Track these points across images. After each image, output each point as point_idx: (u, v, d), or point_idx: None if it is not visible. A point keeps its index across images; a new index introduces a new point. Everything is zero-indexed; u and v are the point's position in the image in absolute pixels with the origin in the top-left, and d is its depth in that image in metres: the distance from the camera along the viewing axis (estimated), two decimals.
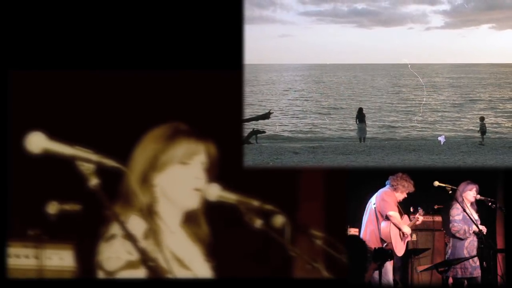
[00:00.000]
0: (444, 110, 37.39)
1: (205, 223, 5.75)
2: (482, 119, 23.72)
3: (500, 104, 39.43)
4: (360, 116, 24.05)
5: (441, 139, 21.20)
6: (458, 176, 10.66)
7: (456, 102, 40.44)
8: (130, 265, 5.14)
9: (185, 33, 7.75)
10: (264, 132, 23.08)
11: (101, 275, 5.31)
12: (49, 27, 7.79)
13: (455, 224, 10.42)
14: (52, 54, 7.81)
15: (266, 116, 24.31)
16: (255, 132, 22.07)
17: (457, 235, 10.42)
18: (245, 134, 21.94)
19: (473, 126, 29.03)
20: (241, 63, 7.69)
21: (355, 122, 24.96)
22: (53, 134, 4.44)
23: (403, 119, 34.17)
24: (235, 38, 7.67)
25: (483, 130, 22.56)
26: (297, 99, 44.35)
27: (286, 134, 29.57)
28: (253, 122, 24.06)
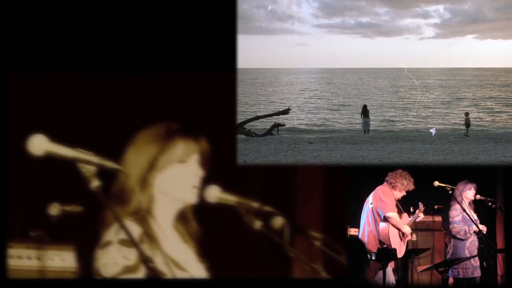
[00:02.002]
0: (435, 106, 37.26)
1: (194, 220, 5.40)
2: (466, 114, 23.71)
3: (482, 102, 39.27)
4: (365, 111, 24.02)
5: (433, 131, 21.15)
6: (458, 174, 9.42)
7: (445, 100, 40.27)
8: (127, 270, 4.85)
9: (184, 38, 7.29)
10: (284, 125, 23.00)
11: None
12: (48, 31, 7.22)
13: (455, 225, 9.29)
14: (52, 57, 7.23)
15: (286, 112, 24.30)
16: (277, 125, 22.01)
17: (458, 236, 9.31)
18: (268, 128, 21.93)
19: (459, 120, 28.93)
20: (235, 66, 7.27)
21: (360, 117, 24.90)
22: (54, 136, 4.15)
23: (401, 114, 34.07)
24: (230, 44, 7.24)
25: (467, 124, 22.56)
26: (311, 98, 44.25)
27: (302, 127, 29.51)
28: (275, 116, 24.03)
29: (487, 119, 31.70)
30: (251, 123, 22.76)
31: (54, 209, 5.96)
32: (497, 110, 35.51)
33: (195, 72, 6.99)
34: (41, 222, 6.13)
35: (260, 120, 23.95)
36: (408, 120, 31.73)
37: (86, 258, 5.93)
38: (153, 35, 7.34)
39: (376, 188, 9.04)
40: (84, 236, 5.83)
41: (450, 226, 9.39)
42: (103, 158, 4.26)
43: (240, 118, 24.81)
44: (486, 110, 35.07)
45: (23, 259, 6.34)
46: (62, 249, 6.28)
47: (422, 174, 9.14)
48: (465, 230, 9.26)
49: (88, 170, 4.17)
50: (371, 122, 24.57)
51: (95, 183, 4.12)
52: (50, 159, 4.13)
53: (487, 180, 9.63)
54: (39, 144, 4.10)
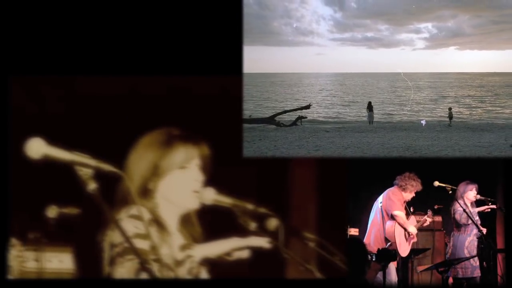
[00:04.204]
0: (424, 103, 36.97)
1: (198, 223, 4.77)
2: (450, 109, 23.69)
3: (462, 99, 38.95)
4: (370, 107, 24.00)
5: (423, 122, 21.15)
6: (458, 173, 8.41)
7: (433, 98, 39.92)
8: (137, 236, 4.23)
9: (195, 46, 6.65)
10: (306, 117, 22.94)
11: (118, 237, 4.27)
12: (48, 34, 6.37)
13: (458, 212, 8.27)
14: (52, 59, 6.38)
15: (307, 107, 24.32)
16: (300, 118, 22.02)
17: (462, 221, 8.23)
18: (294, 119, 21.93)
19: (444, 114, 28.70)
20: (241, 70, 6.72)
21: (366, 111, 24.78)
22: (52, 138, 3.62)
23: (398, 109, 33.85)
24: (236, 50, 6.70)
25: (450, 116, 22.53)
26: (328, 96, 43.98)
27: (320, 119, 29.38)
28: (299, 111, 23.98)
29: (466, 113, 31.56)
30: (280, 115, 22.80)
31: (52, 212, 5.42)
32: (474, 105, 35.36)
33: (207, 76, 6.41)
34: (39, 224, 5.50)
35: (287, 113, 23.94)
36: (403, 114, 31.57)
37: (83, 259, 5.48)
38: (165, 43, 6.66)
39: (387, 190, 8.31)
40: (82, 238, 5.29)
41: (454, 215, 8.42)
42: (100, 161, 3.71)
43: (271, 112, 24.92)
44: (465, 106, 34.92)
45: (21, 261, 5.61)
46: (60, 251, 5.60)
47: (423, 175, 8.21)
48: (467, 213, 8.16)
49: (85, 173, 3.64)
50: (374, 115, 24.48)
51: (92, 186, 3.64)
52: (47, 162, 3.61)
53: (488, 180, 8.66)
54: (37, 148, 3.55)
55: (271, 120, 21.45)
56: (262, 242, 4.58)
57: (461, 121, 26.48)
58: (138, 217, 4.26)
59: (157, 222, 4.50)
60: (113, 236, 4.37)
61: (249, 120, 20.43)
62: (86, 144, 4.14)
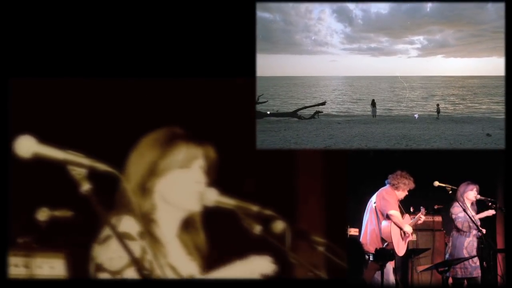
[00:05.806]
0: (417, 100, 36.82)
1: (203, 230, 3.90)
2: (437, 105, 23.40)
3: (447, 97, 38.75)
4: (373, 103, 23.97)
5: (416, 116, 21.15)
6: (458, 173, 7.33)
7: (424, 96, 39.64)
8: (133, 262, 3.20)
9: (210, 49, 5.92)
10: (322, 112, 22.93)
11: (105, 276, 3.38)
12: (49, 35, 5.45)
13: (459, 220, 7.34)
14: (52, 61, 5.47)
15: (323, 103, 24.19)
16: (317, 112, 22.02)
17: (464, 229, 7.33)
18: (312, 113, 22.01)
19: (432, 109, 28.70)
20: (254, 72, 6.17)
21: (370, 107, 24.77)
22: (50, 139, 2.88)
23: (396, 105, 33.72)
24: (250, 53, 6.10)
25: (438, 111, 22.44)
26: (339, 95, 43.81)
27: (333, 113, 29.38)
28: (316, 107, 24.01)
29: (450, 108, 31.55)
30: (301, 110, 22.89)
31: (43, 214, 4.36)
32: (457, 102, 35.31)
33: (221, 78, 5.82)
34: (29, 228, 4.49)
35: (306, 109, 23.96)
36: (400, 109, 31.51)
37: (76, 265, 4.45)
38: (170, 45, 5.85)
39: (380, 189, 7.37)
40: (74, 242, 4.31)
41: (455, 222, 7.48)
42: (94, 160, 2.91)
43: (294, 108, 25.05)
44: (450, 103, 34.83)
45: (10, 267, 4.51)
46: (51, 256, 4.55)
47: (423, 174, 7.17)
48: (469, 222, 7.28)
49: (78, 172, 2.87)
50: (377, 110, 24.44)
51: (85, 186, 2.86)
52: (38, 162, 2.86)
53: (488, 180, 7.55)
54: (27, 146, 2.79)
55: (294, 114, 21.60)
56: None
57: (447, 115, 26.38)
58: (127, 235, 3.41)
59: (150, 235, 3.60)
60: (98, 255, 3.47)
61: (276, 114, 20.65)
62: (85, 143, 3.35)
